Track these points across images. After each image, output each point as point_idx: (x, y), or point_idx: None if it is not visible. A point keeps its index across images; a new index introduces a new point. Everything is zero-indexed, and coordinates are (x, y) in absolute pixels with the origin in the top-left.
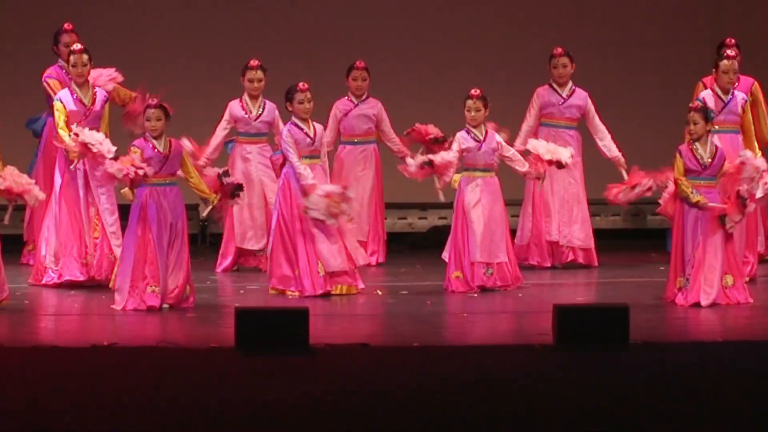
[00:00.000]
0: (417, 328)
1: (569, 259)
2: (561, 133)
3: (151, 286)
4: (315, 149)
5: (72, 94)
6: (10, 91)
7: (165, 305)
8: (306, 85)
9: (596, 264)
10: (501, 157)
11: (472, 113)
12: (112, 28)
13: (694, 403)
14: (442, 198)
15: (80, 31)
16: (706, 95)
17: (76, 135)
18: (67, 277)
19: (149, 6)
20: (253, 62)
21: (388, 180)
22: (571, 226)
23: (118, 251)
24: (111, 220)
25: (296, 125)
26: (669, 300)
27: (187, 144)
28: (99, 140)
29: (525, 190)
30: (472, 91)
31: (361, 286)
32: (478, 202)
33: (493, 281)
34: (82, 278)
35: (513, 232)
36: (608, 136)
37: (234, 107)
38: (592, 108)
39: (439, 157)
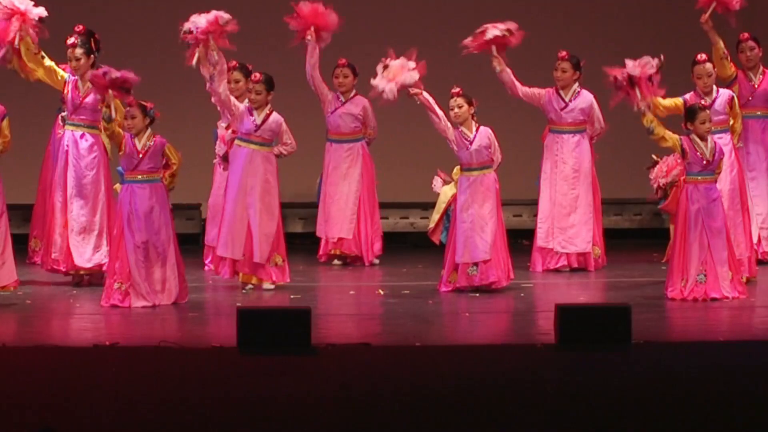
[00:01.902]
0: (418, 328)
1: (560, 265)
2: (565, 139)
3: (118, 283)
4: (260, 137)
5: (74, 83)
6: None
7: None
8: (257, 77)
9: (592, 269)
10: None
11: (455, 110)
12: (115, 23)
13: (696, 402)
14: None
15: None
16: (688, 98)
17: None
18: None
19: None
20: (231, 63)
21: (390, 180)
22: (565, 232)
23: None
24: (79, 224)
25: (249, 109)
26: (672, 297)
27: None
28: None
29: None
30: (453, 90)
31: (272, 282)
32: (467, 203)
33: (479, 280)
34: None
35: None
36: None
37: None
38: (596, 111)
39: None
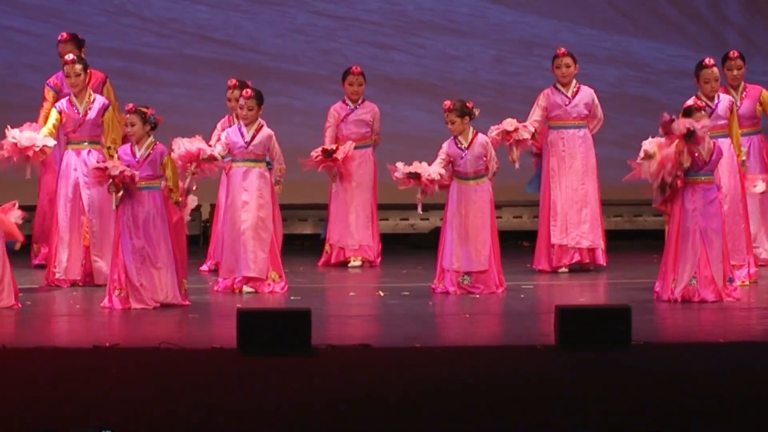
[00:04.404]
0: (419, 329)
1: (575, 261)
2: (571, 134)
3: (117, 290)
4: (252, 153)
5: (69, 103)
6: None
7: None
8: (248, 93)
9: (603, 263)
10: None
11: (449, 126)
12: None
13: (696, 403)
14: (420, 210)
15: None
16: (690, 103)
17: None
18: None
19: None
20: (230, 82)
21: (390, 181)
22: (579, 227)
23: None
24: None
25: (239, 128)
26: (662, 298)
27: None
28: (31, 138)
29: (540, 193)
30: (444, 105)
31: (267, 289)
32: (460, 211)
33: (472, 289)
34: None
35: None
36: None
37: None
38: (597, 104)
39: (427, 173)
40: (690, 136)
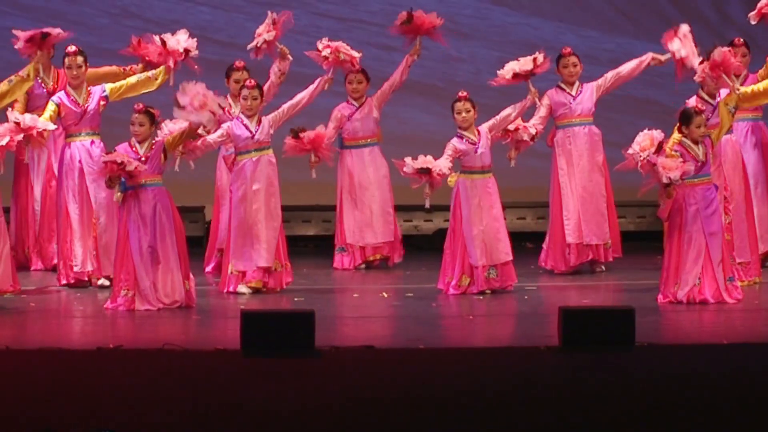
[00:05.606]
0: (422, 330)
1: (592, 257)
2: (577, 132)
3: (124, 290)
4: (259, 142)
5: (67, 96)
6: None
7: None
8: (252, 83)
9: (610, 259)
10: (498, 128)
11: (462, 115)
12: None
13: (700, 405)
14: (428, 204)
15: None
16: (693, 102)
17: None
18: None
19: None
20: (239, 63)
21: (393, 182)
22: (591, 224)
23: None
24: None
25: (241, 121)
26: (664, 301)
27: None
28: (33, 119)
29: (550, 193)
30: (459, 94)
31: (272, 285)
32: (478, 205)
33: (497, 282)
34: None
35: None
36: (627, 63)
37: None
38: (601, 81)
39: (437, 168)
40: (669, 185)
